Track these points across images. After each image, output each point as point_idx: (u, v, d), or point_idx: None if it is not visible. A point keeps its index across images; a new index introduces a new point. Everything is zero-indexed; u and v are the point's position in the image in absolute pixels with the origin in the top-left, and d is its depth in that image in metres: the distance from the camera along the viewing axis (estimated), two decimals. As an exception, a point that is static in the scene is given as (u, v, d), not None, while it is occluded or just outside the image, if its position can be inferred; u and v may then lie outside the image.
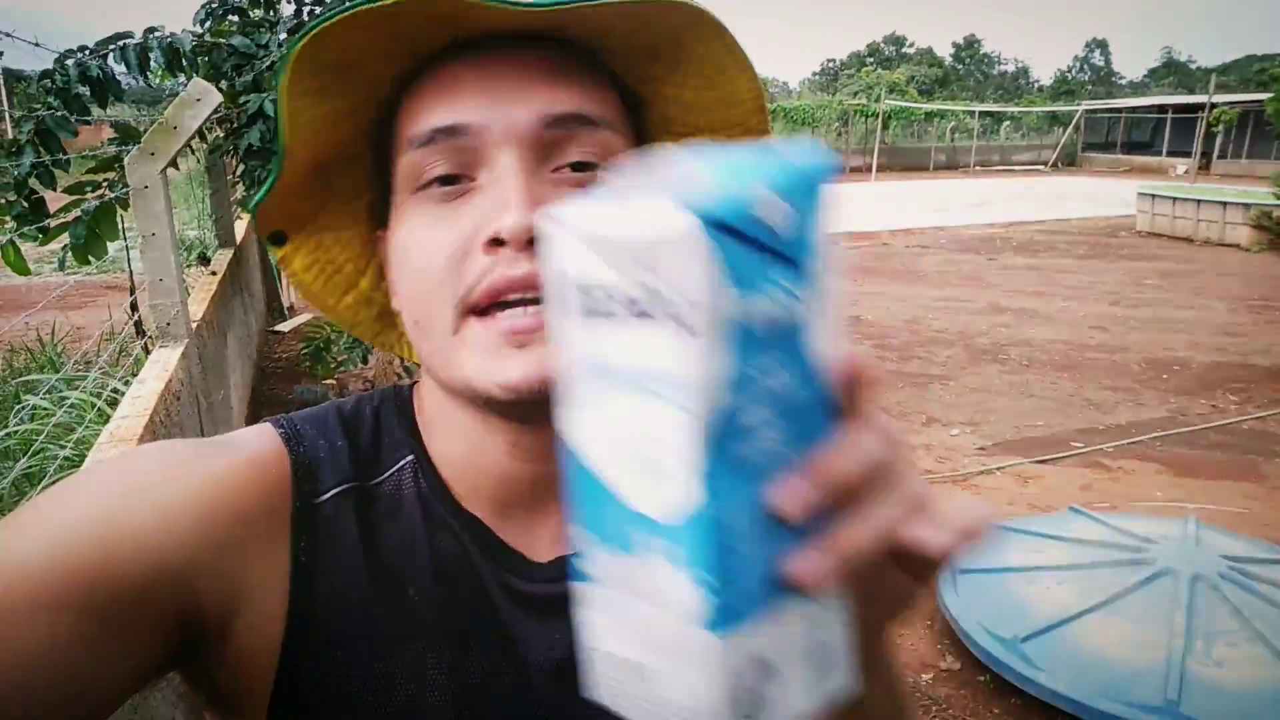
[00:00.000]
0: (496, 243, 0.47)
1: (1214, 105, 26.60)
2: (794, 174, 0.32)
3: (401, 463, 0.58)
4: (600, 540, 0.34)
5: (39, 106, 3.04)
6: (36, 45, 2.70)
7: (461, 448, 0.57)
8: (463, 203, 0.50)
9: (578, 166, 0.51)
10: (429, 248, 0.50)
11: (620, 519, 0.33)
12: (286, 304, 7.85)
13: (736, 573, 0.32)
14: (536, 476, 0.57)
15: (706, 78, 0.54)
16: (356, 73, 0.51)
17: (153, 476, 0.49)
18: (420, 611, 0.54)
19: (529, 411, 0.50)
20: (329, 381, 5.50)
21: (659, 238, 0.30)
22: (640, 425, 0.32)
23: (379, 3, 0.45)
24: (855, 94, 37.57)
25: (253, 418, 4.95)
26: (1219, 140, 28.62)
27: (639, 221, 0.31)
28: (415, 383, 0.63)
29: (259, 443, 0.55)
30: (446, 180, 0.50)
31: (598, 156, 0.51)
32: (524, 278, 0.47)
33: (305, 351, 5.17)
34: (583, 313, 0.33)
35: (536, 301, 0.48)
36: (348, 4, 0.46)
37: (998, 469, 4.71)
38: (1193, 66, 77.25)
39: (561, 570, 0.58)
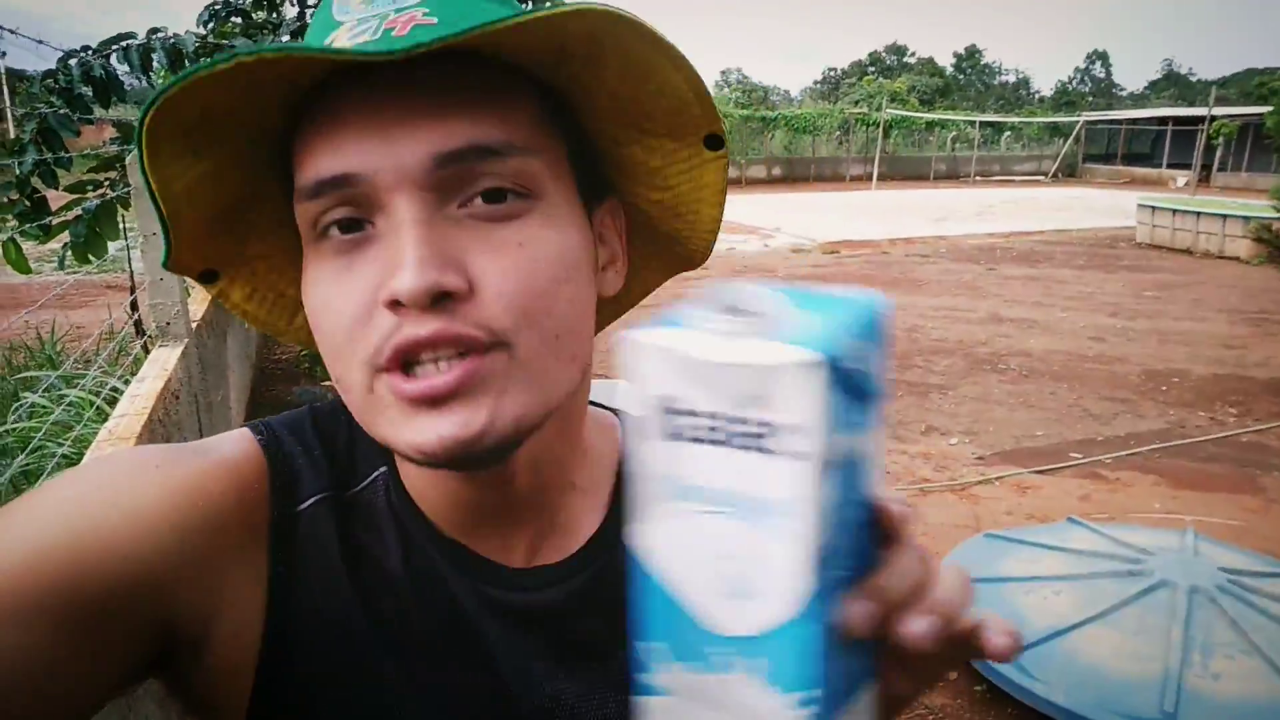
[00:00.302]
0: (397, 304, 0.44)
1: (1214, 118, 26.67)
2: (867, 318, 0.35)
3: (375, 474, 0.57)
4: (673, 654, 0.35)
5: (42, 106, 3.05)
6: (40, 44, 2.70)
7: (420, 474, 0.55)
8: (361, 254, 0.46)
9: (490, 196, 0.46)
10: (332, 309, 0.47)
11: (698, 635, 0.34)
12: (286, 305, 7.84)
13: (825, 684, 0.33)
14: (500, 502, 0.55)
15: (623, 69, 0.48)
16: (228, 124, 0.46)
17: (128, 484, 0.48)
18: (399, 624, 0.53)
19: (464, 466, 0.48)
20: (328, 383, 5.50)
21: (776, 369, 0.31)
22: (730, 545, 0.33)
23: (214, 68, 0.40)
24: (856, 103, 37.66)
25: (252, 418, 4.94)
26: (1219, 153, 28.67)
27: (750, 353, 0.32)
28: None
29: (237, 449, 0.54)
30: (345, 226, 0.47)
31: (509, 183, 0.47)
32: (430, 337, 0.44)
33: (304, 353, 5.18)
34: (670, 435, 0.34)
35: (449, 357, 0.44)
36: (185, 71, 0.41)
37: (996, 479, 4.71)
38: (1193, 79, 77.57)
39: (540, 580, 0.57)
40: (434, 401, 0.44)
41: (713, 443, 0.33)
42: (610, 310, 0.64)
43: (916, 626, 0.35)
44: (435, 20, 0.46)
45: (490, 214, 0.46)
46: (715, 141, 0.53)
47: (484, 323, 0.45)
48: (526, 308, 0.46)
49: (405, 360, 0.45)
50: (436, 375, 0.44)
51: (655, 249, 0.62)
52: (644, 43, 0.46)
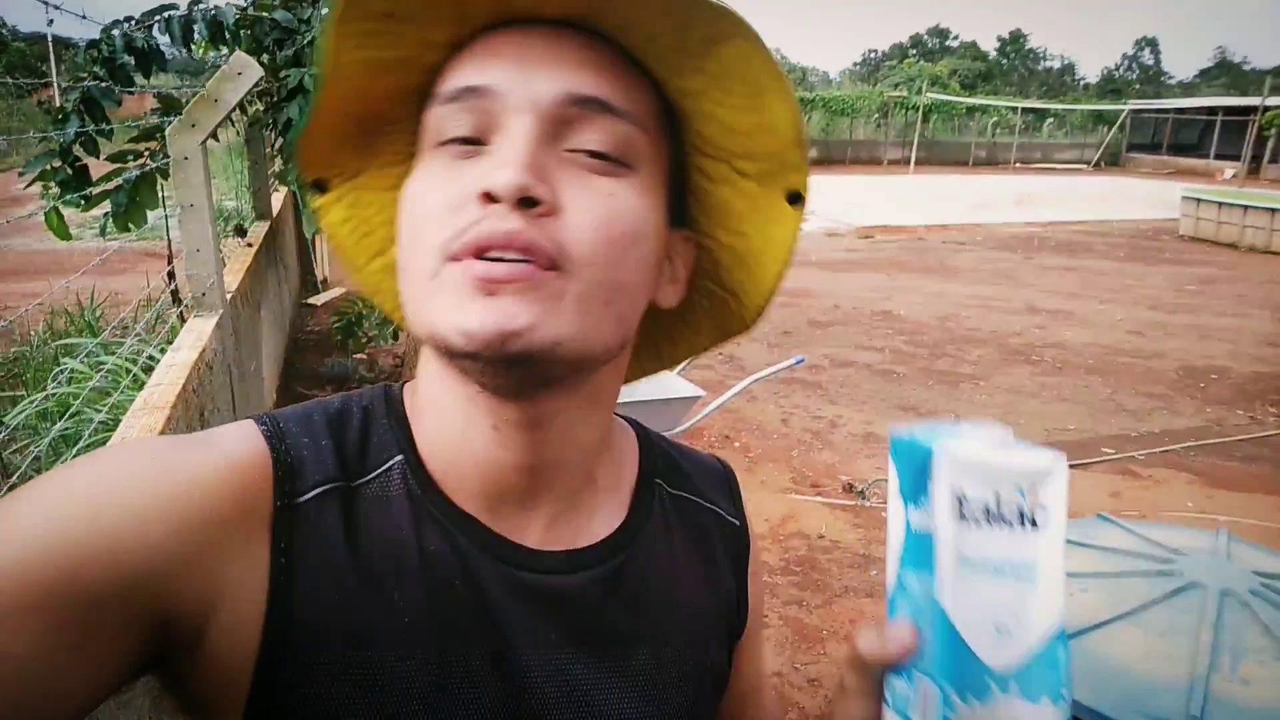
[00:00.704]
0: (490, 198, 0.47)
1: (1267, 108, 25.93)
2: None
3: (390, 463, 0.57)
4: (960, 691, 0.47)
5: (85, 76, 3.08)
6: (84, 18, 2.73)
7: (450, 435, 0.56)
8: (471, 163, 0.50)
9: (594, 154, 0.51)
10: (426, 199, 0.51)
11: (979, 671, 0.46)
12: (320, 278, 7.92)
13: (1070, 686, 0.46)
14: (524, 467, 0.56)
15: (745, 98, 0.53)
16: (405, 25, 0.51)
17: (129, 478, 0.48)
18: (406, 614, 0.53)
19: (494, 371, 0.50)
20: (360, 356, 5.56)
21: (1042, 471, 0.46)
22: (999, 600, 0.46)
23: None
24: (896, 85, 37.12)
25: (284, 389, 5.02)
26: (1270, 144, 27.90)
27: (1020, 458, 0.46)
28: (405, 382, 0.62)
29: (240, 441, 0.53)
30: (463, 141, 0.51)
31: (616, 149, 0.51)
32: (509, 233, 0.47)
33: (337, 325, 5.23)
34: (958, 517, 0.47)
35: (516, 260, 0.47)
36: None
37: (1026, 472, 4.65)
38: (1246, 68, 75.33)
39: (562, 564, 0.58)
40: (490, 289, 0.47)
41: (989, 523, 0.46)
42: (654, 365, 0.69)
43: None
44: None
45: (590, 164, 0.51)
46: (796, 198, 0.57)
47: (559, 243, 0.48)
48: (597, 247, 0.49)
49: (478, 253, 0.48)
50: (501, 265, 0.47)
51: (712, 304, 0.65)
52: (756, 59, 0.51)
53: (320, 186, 0.60)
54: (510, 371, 0.50)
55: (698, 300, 0.65)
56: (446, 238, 0.48)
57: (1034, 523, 0.46)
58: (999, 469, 0.46)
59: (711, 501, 0.70)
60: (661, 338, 0.68)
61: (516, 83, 0.50)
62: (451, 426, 0.56)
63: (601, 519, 0.61)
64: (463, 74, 0.51)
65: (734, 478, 0.74)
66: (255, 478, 0.52)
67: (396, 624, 0.53)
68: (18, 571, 0.42)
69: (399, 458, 0.57)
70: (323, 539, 0.52)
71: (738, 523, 0.71)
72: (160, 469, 0.49)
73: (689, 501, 0.68)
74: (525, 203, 0.47)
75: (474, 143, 0.51)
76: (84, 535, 0.44)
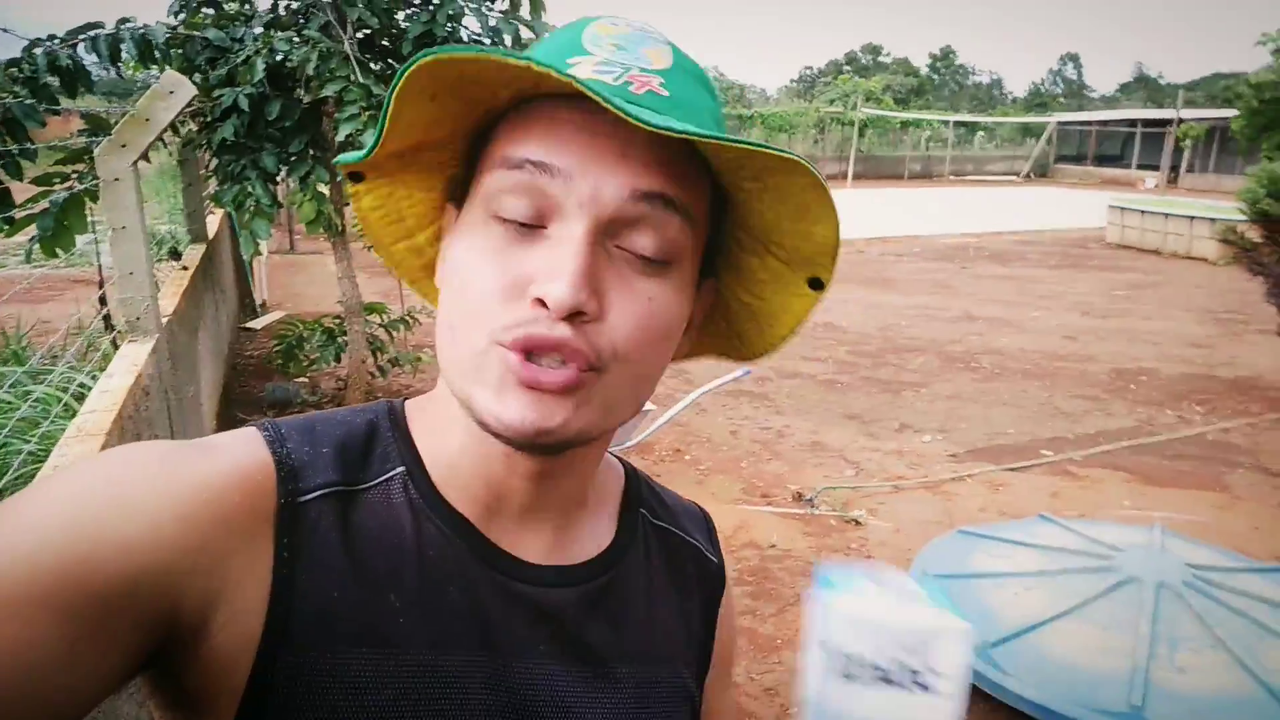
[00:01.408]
0: (541, 303, 0.50)
1: (1182, 121, 27.09)
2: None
3: (391, 474, 0.58)
4: None
5: (5, 95, 2.98)
6: (5, 31, 2.64)
7: (460, 451, 0.58)
8: (528, 246, 0.52)
9: (640, 252, 0.53)
10: (485, 275, 0.52)
11: None
12: (259, 301, 7.76)
13: None
14: (528, 493, 0.59)
15: (795, 212, 0.55)
16: (473, 87, 0.52)
17: (136, 479, 0.49)
18: (401, 617, 0.54)
19: (521, 446, 0.54)
20: (301, 380, 5.44)
21: (936, 632, 0.45)
22: None
23: (510, 60, 0.47)
24: (832, 101, 37.81)
25: (224, 415, 4.89)
26: (1187, 155, 29.14)
27: (914, 618, 0.45)
28: (407, 398, 0.64)
29: (243, 446, 0.55)
30: (521, 218, 0.52)
31: (662, 252, 0.54)
32: (558, 341, 0.50)
33: (278, 349, 5.13)
34: (841, 675, 0.45)
35: (562, 364, 0.51)
36: (485, 48, 0.47)
37: (969, 476, 4.76)
38: (1162, 82, 78.46)
39: (556, 578, 0.60)
40: (536, 388, 0.51)
41: (870, 682, 0.45)
42: None
43: None
44: (668, 94, 0.54)
45: (635, 264, 0.53)
46: (818, 283, 0.61)
47: (598, 347, 0.52)
48: (631, 350, 0.53)
49: (527, 349, 0.51)
50: (548, 371, 0.51)
51: (718, 335, 0.70)
52: (817, 197, 0.53)
53: (354, 177, 0.62)
54: (536, 449, 0.55)
55: (707, 329, 0.68)
56: (498, 326, 0.51)
57: (924, 686, 0.45)
58: (886, 628, 0.45)
59: (692, 537, 0.73)
60: None
61: (583, 170, 0.51)
62: (462, 445, 0.58)
63: (590, 537, 0.65)
64: (528, 145, 0.52)
65: (712, 523, 0.78)
66: (259, 479, 0.53)
67: (392, 624, 0.54)
68: (30, 565, 0.43)
69: (401, 469, 0.59)
70: (323, 538, 0.54)
71: (715, 560, 0.74)
72: (168, 469, 0.50)
73: (671, 533, 0.71)
74: (574, 314, 0.50)
75: (531, 220, 0.52)
76: (95, 531, 0.45)
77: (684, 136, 0.47)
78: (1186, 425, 5.65)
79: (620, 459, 0.74)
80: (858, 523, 4.15)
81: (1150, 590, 2.99)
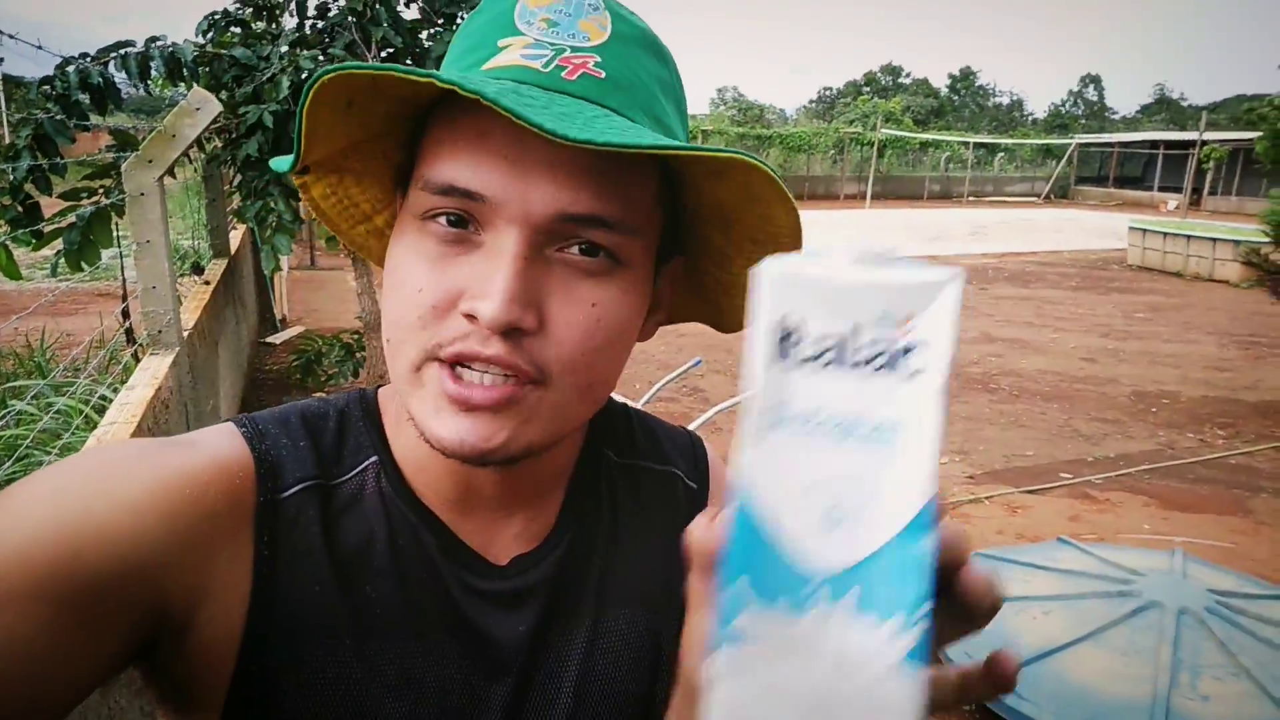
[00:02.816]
0: (473, 318, 0.48)
1: (1205, 142, 26.92)
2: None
3: (365, 464, 0.59)
4: (759, 595, 0.33)
5: (38, 112, 3.04)
6: (39, 49, 2.70)
7: (426, 449, 0.57)
8: (461, 255, 0.50)
9: (587, 249, 0.51)
10: (415, 289, 0.51)
11: (788, 571, 0.33)
12: (279, 316, 7.83)
13: (927, 601, 0.32)
14: (498, 486, 0.59)
15: (745, 196, 0.53)
16: (393, 91, 0.49)
17: (116, 473, 0.49)
18: (379, 608, 0.55)
19: (468, 464, 0.52)
20: (319, 395, 5.48)
21: (922, 286, 0.33)
22: (835, 470, 0.33)
23: (410, 75, 0.45)
24: (851, 122, 37.89)
25: (241, 429, 4.92)
26: (1209, 177, 28.93)
27: (892, 274, 0.33)
28: (380, 386, 0.64)
29: (222, 441, 0.55)
30: (453, 222, 0.50)
31: (610, 247, 0.51)
32: (490, 358, 0.48)
33: (296, 364, 5.16)
34: (786, 360, 0.33)
35: (496, 374, 0.49)
36: (383, 65, 0.45)
37: (986, 498, 4.71)
38: (1184, 104, 78.15)
39: (519, 568, 0.60)
40: (468, 407, 0.49)
41: (832, 365, 0.33)
42: None
43: (978, 571, 0.34)
44: (603, 75, 0.51)
45: (580, 265, 0.51)
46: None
47: (538, 361, 0.50)
48: (577, 360, 0.51)
49: (458, 362, 0.49)
50: (479, 387, 0.49)
51: (694, 301, 0.67)
52: (770, 188, 0.50)
53: (299, 172, 0.60)
54: (485, 465, 0.53)
55: (683, 298, 0.66)
56: (432, 343, 0.50)
57: (891, 364, 0.33)
58: (853, 288, 0.33)
59: (671, 465, 0.70)
60: None
61: (513, 193, 0.48)
62: (428, 450, 0.57)
63: (551, 502, 0.63)
64: (453, 166, 0.49)
65: (702, 448, 0.74)
66: (239, 475, 0.54)
67: (370, 616, 0.55)
68: (20, 557, 0.44)
69: (373, 459, 0.59)
70: (302, 533, 0.55)
71: (694, 485, 0.71)
72: (151, 465, 0.51)
73: (640, 469, 0.69)
74: (509, 330, 0.48)
75: (464, 225, 0.50)
76: (83, 524, 0.46)
77: (608, 149, 0.44)
78: (1209, 449, 5.57)
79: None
80: (874, 544, 4.11)
81: (1171, 616, 2.94)
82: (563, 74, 0.50)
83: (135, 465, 0.50)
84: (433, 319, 0.50)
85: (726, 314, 0.66)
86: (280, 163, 0.56)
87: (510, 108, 0.42)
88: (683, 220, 0.60)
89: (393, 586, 0.56)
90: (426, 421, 0.51)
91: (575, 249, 0.50)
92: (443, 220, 0.50)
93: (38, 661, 0.43)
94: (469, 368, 0.49)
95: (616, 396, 0.67)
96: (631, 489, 0.68)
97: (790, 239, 0.55)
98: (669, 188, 0.56)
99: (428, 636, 0.56)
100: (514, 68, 0.50)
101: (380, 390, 0.63)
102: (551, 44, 0.51)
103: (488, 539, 0.60)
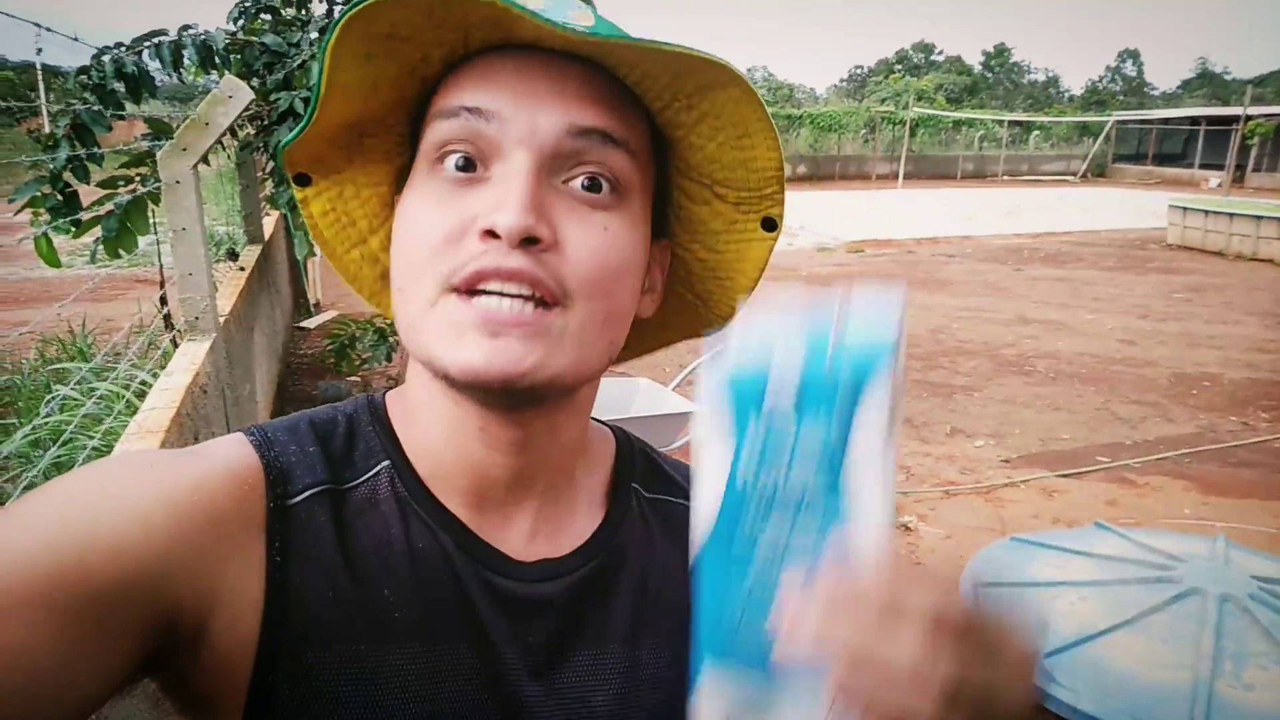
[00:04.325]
0: (491, 234, 0.49)
1: (1249, 118, 26.21)
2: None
3: (377, 469, 0.59)
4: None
5: (75, 102, 3.08)
6: (75, 40, 2.73)
7: (437, 437, 0.58)
8: (470, 190, 0.51)
9: (589, 184, 0.52)
10: (428, 223, 0.51)
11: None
12: (313, 301, 7.91)
13: None
14: (510, 469, 0.58)
15: (732, 137, 0.55)
16: (404, 45, 0.51)
17: (125, 483, 0.49)
18: (396, 611, 0.55)
19: (489, 399, 0.53)
20: (353, 378, 5.53)
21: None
22: None
23: None
24: (883, 101, 37.43)
25: (278, 412, 4.99)
26: (1253, 153, 28.19)
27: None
28: (389, 389, 0.64)
29: (231, 450, 0.56)
30: (461, 165, 0.52)
31: (612, 175, 0.53)
32: (512, 270, 0.49)
33: (330, 348, 5.21)
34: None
35: (517, 296, 0.49)
36: None
37: (1022, 482, 4.66)
38: (1228, 78, 76.14)
39: (543, 573, 0.59)
40: (494, 330, 0.49)
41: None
42: (625, 355, 0.69)
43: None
44: (593, 22, 0.53)
45: (585, 198, 0.52)
46: (771, 224, 0.59)
47: (559, 277, 0.50)
48: (596, 280, 0.52)
49: (477, 286, 0.49)
50: (505, 312, 0.49)
51: (683, 307, 0.68)
52: (748, 107, 0.52)
53: (302, 180, 0.61)
54: (508, 399, 0.53)
55: (668, 302, 0.66)
56: (447, 270, 0.50)
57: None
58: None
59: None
60: (632, 334, 0.68)
61: (518, 110, 0.51)
62: (439, 428, 0.58)
63: (580, 519, 0.63)
64: (463, 93, 0.52)
65: None
66: (248, 483, 0.54)
67: (387, 619, 0.55)
68: (29, 566, 0.43)
69: (386, 463, 0.59)
70: (314, 539, 0.54)
71: None
72: (160, 474, 0.51)
73: (669, 504, 0.69)
74: (527, 241, 0.49)
75: (472, 167, 0.52)
76: (90, 534, 0.46)
77: (615, 41, 0.48)
78: (1252, 432, 5.46)
79: (611, 426, 0.71)
80: (908, 528, 4.09)
81: (1214, 603, 2.89)
82: (568, 11, 0.52)
83: (144, 475, 0.50)
84: (445, 248, 0.50)
85: (716, 300, 0.66)
86: (289, 136, 0.57)
87: (524, 7, 0.45)
88: (668, 198, 0.61)
89: (411, 590, 0.55)
90: (447, 351, 0.50)
91: (581, 181, 0.52)
92: (451, 163, 0.52)
93: (43, 672, 0.42)
94: (489, 294, 0.49)
95: (643, 380, 0.67)
96: (664, 523, 0.67)
97: (772, 187, 0.57)
98: (656, 155, 0.58)
99: (446, 642, 0.56)
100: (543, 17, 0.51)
101: (388, 394, 0.64)
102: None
103: (505, 534, 0.59)
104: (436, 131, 0.53)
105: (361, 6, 0.47)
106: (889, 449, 0.38)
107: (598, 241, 0.52)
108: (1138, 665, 2.71)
